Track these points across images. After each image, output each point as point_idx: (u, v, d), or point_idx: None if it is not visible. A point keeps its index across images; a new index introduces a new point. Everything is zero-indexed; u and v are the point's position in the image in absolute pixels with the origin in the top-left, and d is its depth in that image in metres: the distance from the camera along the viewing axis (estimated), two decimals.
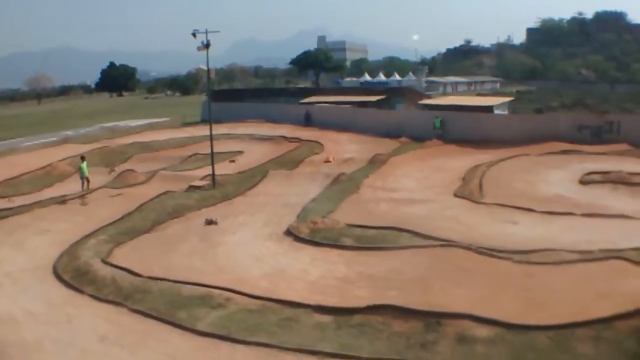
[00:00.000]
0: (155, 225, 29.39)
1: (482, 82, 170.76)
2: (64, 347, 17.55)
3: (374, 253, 23.56)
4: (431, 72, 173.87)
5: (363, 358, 15.41)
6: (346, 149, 50.81)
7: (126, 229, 28.90)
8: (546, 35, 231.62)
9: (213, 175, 38.71)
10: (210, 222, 28.78)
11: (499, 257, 21.74)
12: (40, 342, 17.90)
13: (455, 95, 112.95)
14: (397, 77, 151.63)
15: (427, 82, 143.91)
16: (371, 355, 15.53)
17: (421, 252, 22.87)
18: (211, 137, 40.99)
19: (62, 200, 35.83)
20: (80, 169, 39.40)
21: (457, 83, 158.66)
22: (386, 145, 49.95)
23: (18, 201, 36.74)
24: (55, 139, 65.17)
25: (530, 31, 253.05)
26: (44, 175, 45.65)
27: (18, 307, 20.50)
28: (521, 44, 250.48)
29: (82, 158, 40.92)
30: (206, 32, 37.87)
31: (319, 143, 53.36)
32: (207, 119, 45.74)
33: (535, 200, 30.84)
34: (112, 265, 23.31)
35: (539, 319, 16.70)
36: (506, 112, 66.48)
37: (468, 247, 22.60)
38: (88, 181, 39.10)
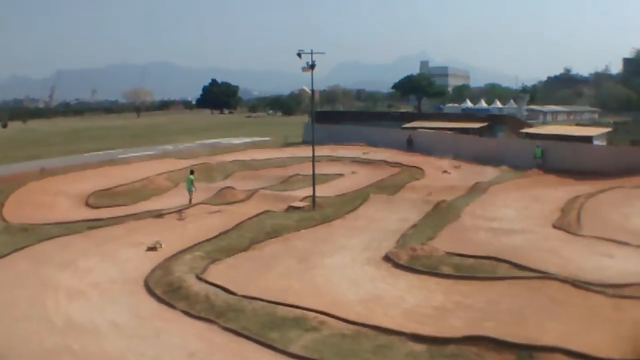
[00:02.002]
0: (252, 244, 29.53)
1: (581, 112, 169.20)
2: None
3: (472, 282, 23.31)
4: (532, 100, 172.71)
5: None
6: (447, 175, 50.74)
7: (223, 246, 29.19)
8: None
9: (314, 196, 38.89)
10: (151, 249, 28.77)
11: (594, 291, 21.29)
12: (123, 355, 18.09)
13: (555, 124, 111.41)
14: (499, 104, 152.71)
15: (527, 110, 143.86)
16: None
17: (518, 284, 22.66)
18: (313, 159, 41.21)
19: (158, 214, 36.74)
20: (187, 181, 40.35)
21: (557, 112, 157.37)
22: (487, 173, 49.70)
23: (111, 213, 37.88)
24: (154, 152, 67.26)
25: (626, 61, 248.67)
26: (141, 188, 47.04)
27: (104, 319, 20.83)
28: (618, 74, 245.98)
29: (192, 172, 41.97)
30: (311, 53, 38.26)
31: (420, 169, 53.29)
32: (309, 140, 46.00)
33: (631, 233, 30.24)
34: (206, 281, 23.49)
35: (625, 353, 16.60)
36: (605, 143, 65.68)
37: (564, 280, 22.25)
38: (191, 194, 39.97)
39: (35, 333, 19.54)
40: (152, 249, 28.50)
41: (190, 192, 39.71)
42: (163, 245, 28.49)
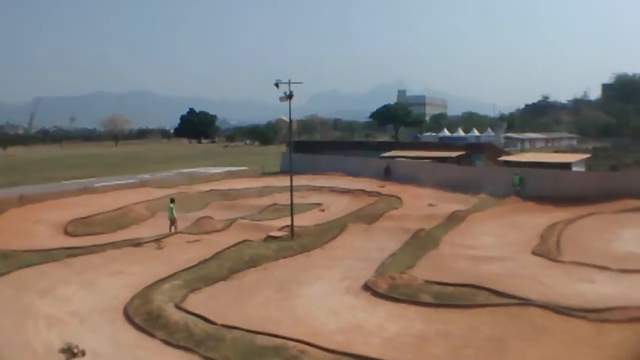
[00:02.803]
0: (231, 274, 29.56)
1: (559, 139, 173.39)
2: None
3: (452, 310, 23.44)
4: (510, 128, 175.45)
5: None
6: (425, 204, 50.88)
7: (202, 275, 29.13)
8: (621, 91, 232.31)
9: (292, 226, 38.91)
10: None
11: (575, 316, 21.57)
12: None
13: (533, 151, 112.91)
14: (476, 132, 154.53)
15: (505, 138, 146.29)
16: None
17: (498, 311, 22.80)
18: (291, 188, 41.44)
19: (137, 243, 36.62)
20: (169, 210, 40.55)
21: (535, 139, 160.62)
22: (465, 201, 50.01)
23: (90, 241, 37.79)
24: (132, 181, 67.25)
25: (605, 87, 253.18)
26: (120, 216, 46.73)
27: (83, 347, 20.52)
28: (597, 100, 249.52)
29: (172, 200, 42.09)
30: (289, 83, 38.34)
31: (398, 198, 53.51)
32: (287, 170, 46.21)
33: (611, 258, 30.64)
34: (185, 310, 23.50)
35: None
36: (584, 169, 66.83)
37: (544, 306, 22.48)
38: (174, 223, 40.15)
39: (18, 359, 19.58)
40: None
41: (171, 220, 39.74)
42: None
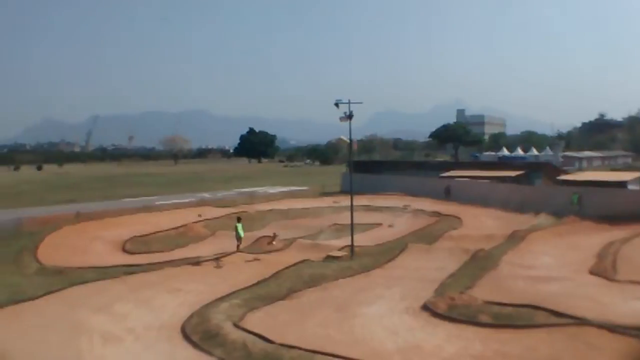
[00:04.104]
0: (290, 293, 29.61)
1: (615, 157, 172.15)
2: None
3: (510, 331, 23.31)
4: (567, 146, 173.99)
5: None
6: (485, 224, 50.81)
7: (261, 294, 29.26)
8: None
9: (352, 246, 38.99)
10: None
11: (631, 335, 21.33)
12: None
13: (590, 170, 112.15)
14: (535, 151, 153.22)
15: (563, 157, 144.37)
16: None
17: (555, 331, 22.67)
18: (352, 208, 41.40)
19: (196, 261, 37.07)
20: (235, 229, 40.65)
21: (591, 158, 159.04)
22: (524, 222, 49.70)
23: (148, 259, 38.39)
24: (191, 199, 67.69)
25: None
26: (178, 235, 47.55)
27: None
28: None
29: (239, 219, 42.29)
30: (349, 103, 38.44)
31: (458, 218, 53.45)
32: (347, 190, 46.22)
33: None
34: (243, 329, 23.58)
35: None
36: (638, 187, 65.71)
37: (601, 325, 22.29)
38: (240, 242, 40.33)
39: None
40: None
41: (238, 239, 40.10)
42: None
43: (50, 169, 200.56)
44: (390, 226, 46.23)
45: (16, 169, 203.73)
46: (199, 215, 52.15)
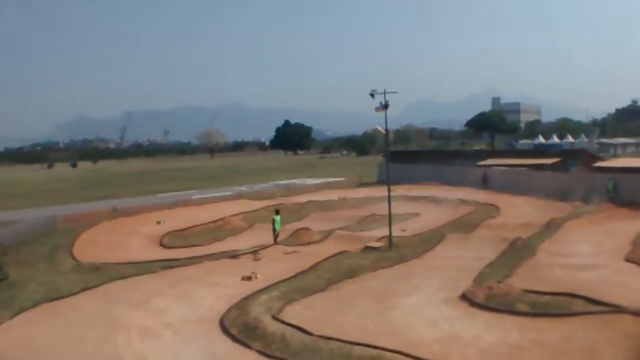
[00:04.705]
0: (329, 285, 29.70)
1: None
2: None
3: (547, 319, 23.31)
4: (602, 133, 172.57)
5: None
6: (522, 212, 50.57)
7: (299, 286, 29.37)
8: None
9: (390, 236, 38.93)
10: (246, 278, 28.47)
11: None
12: None
13: (625, 156, 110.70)
14: (570, 139, 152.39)
15: (598, 143, 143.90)
16: None
17: (592, 319, 22.61)
18: (389, 198, 41.41)
19: (234, 255, 37.43)
20: (273, 222, 41.06)
21: (626, 144, 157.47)
22: (561, 209, 49.47)
23: (186, 253, 38.69)
24: (228, 193, 68.25)
25: None
26: (216, 228, 47.84)
27: (177, 358, 21.35)
28: None
29: (277, 211, 42.83)
30: (384, 93, 38.45)
31: (496, 206, 53.23)
32: (384, 180, 46.18)
33: None
34: (282, 322, 23.69)
35: None
36: None
37: (637, 313, 22.17)
38: (277, 235, 40.64)
39: None
40: (247, 278, 28.96)
41: (275, 232, 40.36)
42: (259, 276, 28.45)
43: (84, 165, 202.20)
44: (403, 230, 45.96)
45: (50, 166, 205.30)
46: (158, 223, 49.46)
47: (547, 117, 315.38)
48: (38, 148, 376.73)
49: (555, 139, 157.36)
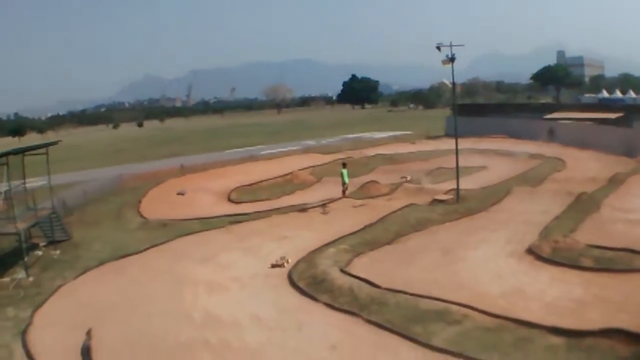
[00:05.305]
0: (397, 237, 29.73)
1: None
2: (289, 354, 18.21)
3: (610, 275, 23.09)
4: None
5: None
6: (587, 166, 49.54)
7: (367, 239, 29.45)
8: None
9: (457, 189, 38.73)
10: (275, 265, 28.32)
11: None
12: (263, 348, 18.68)
13: None
14: (632, 94, 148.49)
15: None
16: None
17: None
18: (457, 152, 40.98)
19: (302, 208, 37.59)
20: (341, 175, 40.99)
21: None
22: (625, 164, 48.55)
23: (253, 207, 39.01)
24: (296, 148, 68.38)
25: None
26: (284, 182, 48.31)
27: (244, 312, 21.53)
28: None
29: (344, 165, 42.78)
30: (450, 46, 38.00)
31: (562, 160, 52.50)
32: (451, 133, 45.79)
33: None
34: (350, 274, 23.83)
35: None
36: None
37: None
38: (346, 188, 40.60)
39: (171, 327, 20.36)
40: (277, 265, 27.07)
41: (344, 185, 40.35)
42: (290, 261, 27.35)
43: (151, 124, 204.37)
44: (403, 177, 45.29)
45: (115, 127, 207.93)
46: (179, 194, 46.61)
47: (610, 72, 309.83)
48: (102, 109, 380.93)
49: (618, 94, 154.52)
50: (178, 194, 42.35)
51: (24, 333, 20.92)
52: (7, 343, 20.36)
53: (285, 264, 26.74)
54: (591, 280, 22.62)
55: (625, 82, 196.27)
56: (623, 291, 21.19)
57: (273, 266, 26.83)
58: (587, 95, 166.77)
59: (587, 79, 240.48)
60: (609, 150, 54.70)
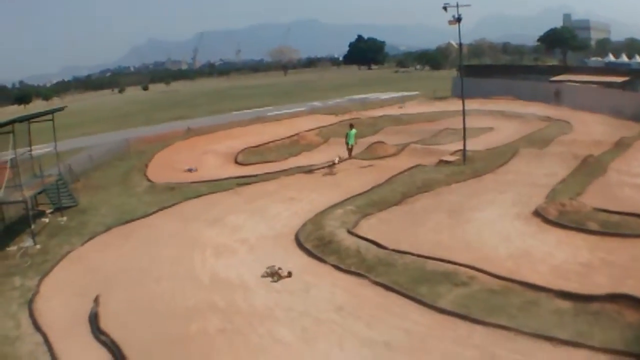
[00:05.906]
0: (404, 198, 29.77)
1: None
2: (296, 315, 18.34)
3: (617, 239, 22.98)
4: None
5: (596, 348, 15.07)
6: (594, 129, 49.20)
7: (375, 200, 29.51)
8: None
9: (464, 150, 38.62)
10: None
11: None
12: (271, 310, 18.80)
13: None
14: (638, 58, 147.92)
15: None
16: (602, 345, 15.17)
17: None
18: (463, 113, 40.84)
19: (309, 170, 37.66)
20: (347, 136, 40.78)
21: None
22: (631, 128, 47.96)
23: (260, 169, 39.06)
24: (303, 109, 68.26)
25: None
26: (291, 144, 48.16)
27: (252, 274, 21.62)
28: None
29: (351, 125, 42.47)
30: (457, 6, 37.74)
31: (568, 122, 52.14)
32: (458, 94, 45.64)
33: None
34: (357, 236, 23.89)
35: None
36: None
37: None
38: (351, 149, 40.42)
39: (179, 291, 20.54)
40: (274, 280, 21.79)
41: (348, 146, 40.16)
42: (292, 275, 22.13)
43: (156, 88, 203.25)
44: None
45: (121, 91, 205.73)
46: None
47: (616, 37, 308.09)
48: (108, 74, 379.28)
49: (624, 58, 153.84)
50: (187, 170, 42.14)
51: (30, 302, 20.97)
52: (14, 313, 20.43)
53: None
54: (598, 244, 22.61)
55: (632, 46, 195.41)
56: (630, 256, 21.21)
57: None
58: (593, 58, 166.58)
59: (593, 43, 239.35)
60: (615, 114, 54.28)
